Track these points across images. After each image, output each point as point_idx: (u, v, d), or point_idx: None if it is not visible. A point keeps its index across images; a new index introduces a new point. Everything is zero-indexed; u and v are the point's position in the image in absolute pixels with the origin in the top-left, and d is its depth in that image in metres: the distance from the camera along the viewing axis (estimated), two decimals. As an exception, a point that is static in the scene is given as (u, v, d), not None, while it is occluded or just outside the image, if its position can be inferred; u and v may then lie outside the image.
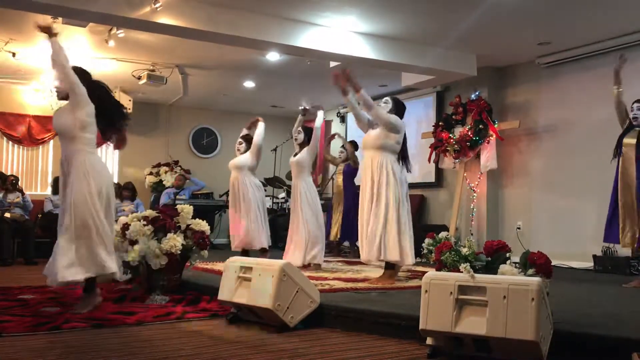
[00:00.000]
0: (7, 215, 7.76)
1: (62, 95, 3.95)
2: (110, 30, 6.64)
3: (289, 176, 6.63)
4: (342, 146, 8.30)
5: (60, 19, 6.04)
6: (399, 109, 5.02)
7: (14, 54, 7.40)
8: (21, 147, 9.59)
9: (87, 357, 2.84)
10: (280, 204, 10.06)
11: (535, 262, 3.05)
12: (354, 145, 7.98)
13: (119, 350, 2.98)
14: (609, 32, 6.55)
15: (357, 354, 3.02)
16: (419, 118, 9.18)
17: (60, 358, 2.83)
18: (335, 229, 7.86)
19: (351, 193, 7.67)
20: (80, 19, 5.90)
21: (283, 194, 10.12)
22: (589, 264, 6.57)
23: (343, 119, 11.04)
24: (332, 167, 10.26)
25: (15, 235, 7.55)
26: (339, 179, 8.03)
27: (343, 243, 8.05)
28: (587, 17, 6.09)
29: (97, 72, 8.42)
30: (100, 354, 2.90)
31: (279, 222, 9.29)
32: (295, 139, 6.25)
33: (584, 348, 2.83)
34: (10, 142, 9.67)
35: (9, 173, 8.94)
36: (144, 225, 4.56)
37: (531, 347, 2.59)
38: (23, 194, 8.09)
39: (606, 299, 4.45)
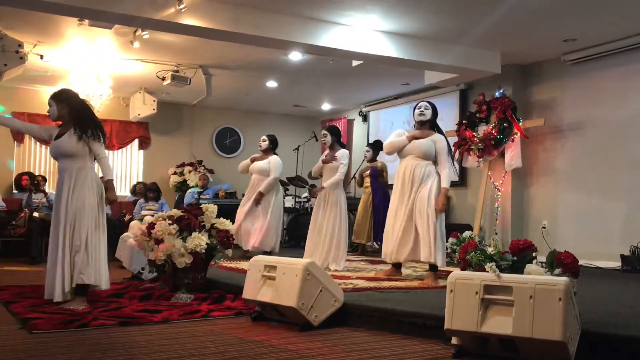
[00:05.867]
0: (36, 214, 7.90)
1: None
2: (135, 31, 6.73)
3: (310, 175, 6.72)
4: (368, 144, 8.28)
5: (86, 21, 6.15)
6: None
7: (41, 56, 7.53)
8: (49, 147, 9.72)
9: (114, 354, 2.89)
10: (302, 203, 10.07)
11: (562, 262, 3.01)
12: (377, 144, 7.88)
13: (145, 348, 3.02)
14: (636, 28, 6.42)
15: (382, 353, 3.01)
16: (442, 116, 9.03)
17: (89, 354, 2.88)
18: (367, 231, 7.79)
19: (381, 194, 7.67)
20: (106, 20, 5.98)
21: (306, 193, 10.13)
22: (617, 264, 6.45)
23: (365, 118, 11.00)
24: (353, 167, 10.25)
25: (43, 234, 7.68)
26: (367, 181, 7.96)
27: (375, 243, 7.94)
28: (613, 13, 5.99)
29: (123, 73, 8.60)
30: (128, 351, 2.95)
31: (301, 221, 9.29)
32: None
33: (613, 349, 2.79)
34: (37, 143, 9.85)
35: (37, 173, 9.12)
36: (170, 224, 4.61)
37: (558, 347, 2.56)
38: (46, 194, 8.19)
39: (635, 299, 4.37)
